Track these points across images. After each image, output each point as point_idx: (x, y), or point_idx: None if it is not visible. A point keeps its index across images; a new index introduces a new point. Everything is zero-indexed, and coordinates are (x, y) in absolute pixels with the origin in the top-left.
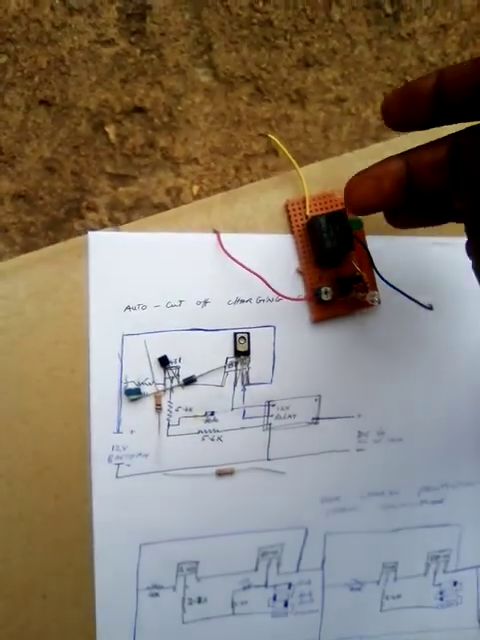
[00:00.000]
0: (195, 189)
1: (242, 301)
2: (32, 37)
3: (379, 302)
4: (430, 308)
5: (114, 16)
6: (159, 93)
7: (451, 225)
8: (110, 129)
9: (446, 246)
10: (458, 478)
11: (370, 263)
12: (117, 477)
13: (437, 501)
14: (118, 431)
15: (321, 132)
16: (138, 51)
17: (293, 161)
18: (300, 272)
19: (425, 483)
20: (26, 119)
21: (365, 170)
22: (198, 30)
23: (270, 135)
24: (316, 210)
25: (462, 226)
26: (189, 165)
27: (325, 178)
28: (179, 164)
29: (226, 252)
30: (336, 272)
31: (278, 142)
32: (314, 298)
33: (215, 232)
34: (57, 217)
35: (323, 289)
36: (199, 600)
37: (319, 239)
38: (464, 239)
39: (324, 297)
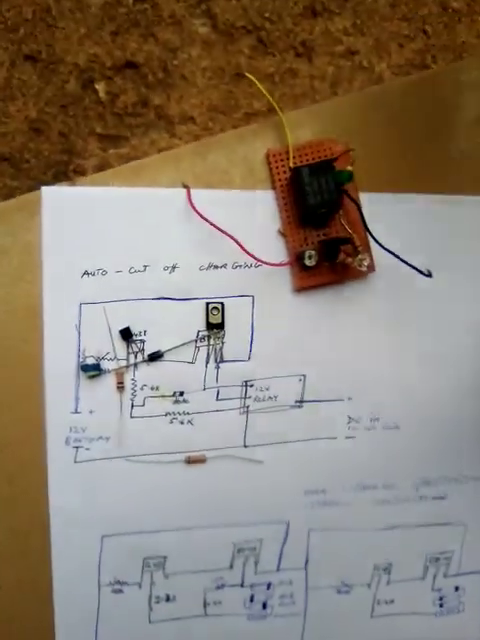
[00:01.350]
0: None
1: (215, 267)
2: None
3: (372, 268)
4: (429, 275)
5: None
6: (153, 46)
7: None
8: (100, 86)
9: (448, 204)
10: (462, 471)
11: (362, 222)
12: (76, 462)
13: (438, 497)
14: (76, 411)
15: (329, 88)
16: (131, 0)
17: (275, 104)
18: (282, 233)
19: (424, 476)
20: (10, 76)
21: None
22: None
23: (247, 74)
24: (301, 161)
25: (466, 182)
26: (185, 125)
27: (314, 124)
28: (174, 124)
29: (196, 210)
30: (323, 233)
31: (255, 80)
32: (297, 263)
33: (185, 187)
34: (44, 181)
35: (307, 253)
36: (167, 598)
37: (302, 194)
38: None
39: (308, 262)
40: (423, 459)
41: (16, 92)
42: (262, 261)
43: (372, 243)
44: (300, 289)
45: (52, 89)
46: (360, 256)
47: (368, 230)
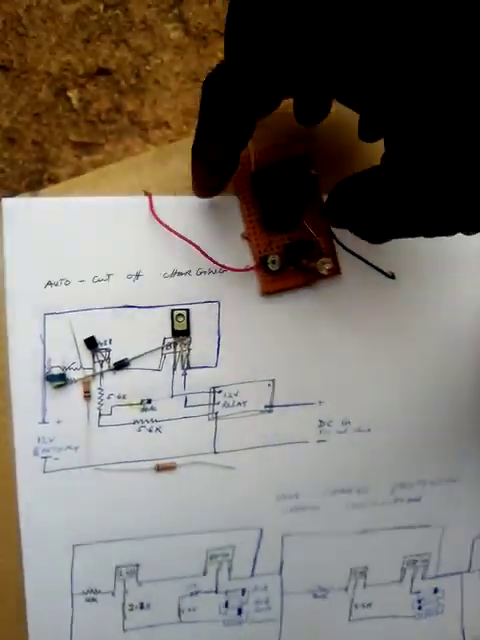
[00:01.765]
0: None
1: (180, 273)
2: None
3: (335, 271)
4: (392, 277)
5: None
6: (125, 53)
7: None
8: (73, 94)
9: None
10: (439, 474)
11: (327, 225)
12: (45, 472)
13: (414, 499)
14: (44, 421)
15: None
16: (101, 6)
17: None
18: (245, 237)
19: (399, 479)
20: None
21: None
22: None
23: None
24: (263, 165)
25: None
26: (159, 130)
27: (278, 126)
28: (148, 129)
29: (158, 218)
30: (288, 237)
31: None
32: (262, 268)
33: (146, 194)
34: (18, 191)
35: (270, 258)
36: (141, 606)
37: (265, 197)
38: None
39: (271, 266)
40: (397, 462)
41: None
42: (226, 267)
43: (339, 246)
44: (266, 294)
45: (25, 98)
46: (322, 259)
47: (332, 233)
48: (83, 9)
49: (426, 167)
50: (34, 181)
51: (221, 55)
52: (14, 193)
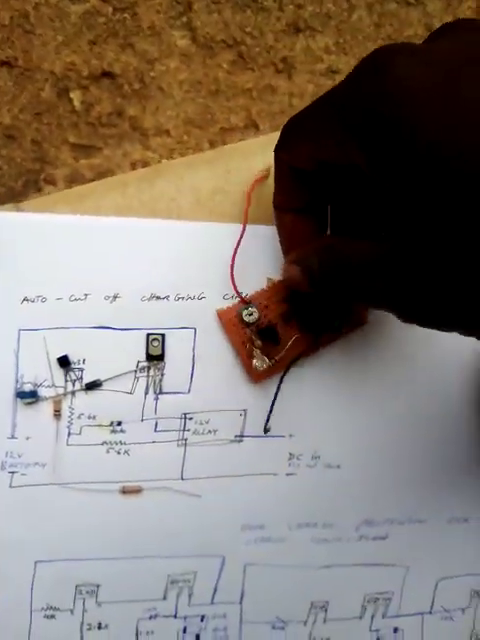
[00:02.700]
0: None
1: (158, 297)
2: None
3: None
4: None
5: None
6: (130, 57)
7: None
8: (75, 95)
9: None
10: (407, 514)
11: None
12: (11, 486)
13: (379, 537)
14: (13, 436)
15: None
16: (110, 9)
17: None
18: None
19: (366, 517)
20: None
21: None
22: None
23: None
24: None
25: None
26: (159, 137)
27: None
28: (148, 136)
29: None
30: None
31: None
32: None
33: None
34: (15, 189)
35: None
36: (99, 626)
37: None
38: None
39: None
40: (364, 499)
41: None
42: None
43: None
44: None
45: (27, 96)
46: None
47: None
48: (92, 10)
49: None
50: (31, 180)
51: (227, 66)
52: (9, 191)
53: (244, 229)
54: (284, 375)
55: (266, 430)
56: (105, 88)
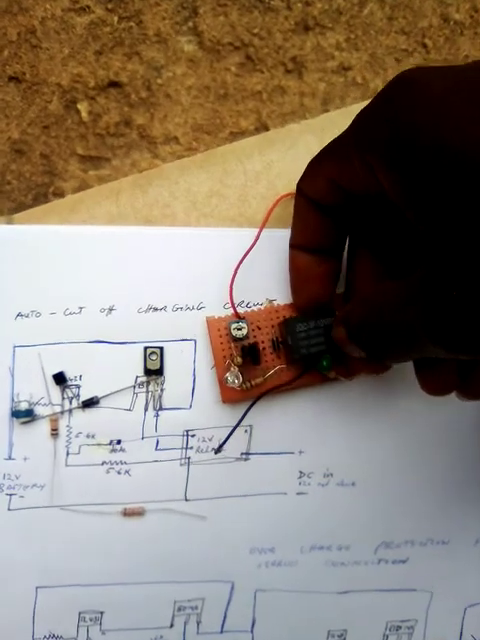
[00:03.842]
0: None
1: (155, 309)
2: (1, 6)
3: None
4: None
5: None
6: (137, 65)
7: None
8: (82, 107)
9: None
10: (428, 534)
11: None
12: (9, 509)
13: (400, 560)
14: (10, 457)
15: (320, 106)
16: (115, 18)
17: None
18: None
19: (384, 538)
20: None
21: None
22: None
23: None
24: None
25: None
26: (168, 145)
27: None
28: (157, 144)
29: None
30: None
31: None
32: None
33: None
34: (24, 203)
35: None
36: None
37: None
38: None
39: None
40: (382, 520)
41: None
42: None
43: None
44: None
45: (35, 110)
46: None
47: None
48: (97, 21)
49: None
50: (40, 194)
51: (235, 69)
52: (19, 206)
53: (255, 242)
54: (255, 402)
55: (218, 451)
56: (112, 98)
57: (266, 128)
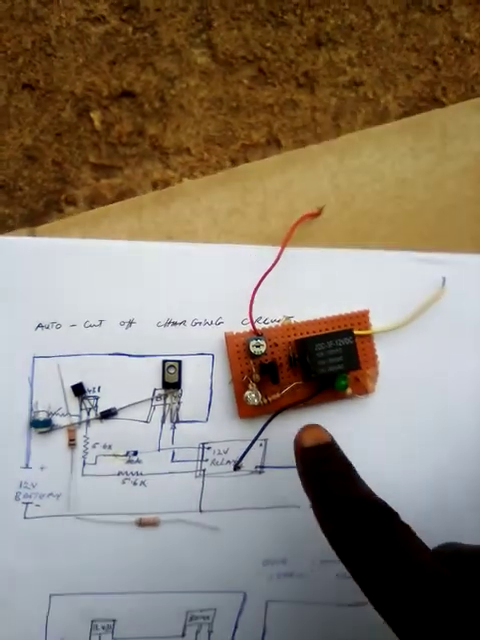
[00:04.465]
0: (185, 182)
1: (174, 323)
2: (17, 14)
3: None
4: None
5: None
6: (151, 76)
7: None
8: (95, 115)
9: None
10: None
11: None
12: (25, 518)
13: None
14: (27, 466)
15: (331, 120)
16: (130, 29)
17: None
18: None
19: None
20: (8, 104)
21: None
22: (197, 5)
23: None
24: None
25: None
26: (180, 155)
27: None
28: (168, 154)
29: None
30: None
31: None
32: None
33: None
34: (36, 210)
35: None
36: None
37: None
38: None
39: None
40: None
41: (12, 120)
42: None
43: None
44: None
45: (48, 117)
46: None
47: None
48: (112, 31)
49: None
50: (52, 201)
51: (247, 82)
52: (31, 212)
53: (277, 260)
54: (272, 418)
55: (237, 467)
56: (125, 108)
57: (277, 141)
